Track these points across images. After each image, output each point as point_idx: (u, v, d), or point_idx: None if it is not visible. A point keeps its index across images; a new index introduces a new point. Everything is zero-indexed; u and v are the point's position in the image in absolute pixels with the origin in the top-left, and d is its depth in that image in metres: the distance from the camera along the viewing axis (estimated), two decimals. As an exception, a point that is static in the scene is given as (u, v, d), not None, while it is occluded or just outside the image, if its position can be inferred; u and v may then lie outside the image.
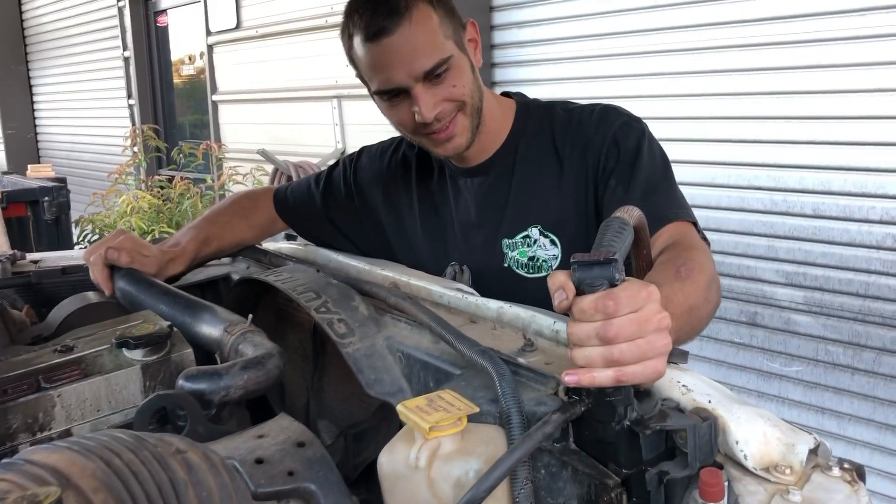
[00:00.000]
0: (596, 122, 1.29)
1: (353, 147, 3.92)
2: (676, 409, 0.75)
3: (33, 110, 8.42)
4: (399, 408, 0.73)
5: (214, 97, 5.51)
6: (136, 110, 6.56)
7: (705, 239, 1.20)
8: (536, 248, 1.31)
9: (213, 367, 0.89)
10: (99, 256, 1.28)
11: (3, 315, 1.19)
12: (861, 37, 2.44)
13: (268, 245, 1.60)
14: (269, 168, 4.37)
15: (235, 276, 1.47)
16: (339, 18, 1.28)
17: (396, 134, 1.43)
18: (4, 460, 0.58)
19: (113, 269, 1.28)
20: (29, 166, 5.24)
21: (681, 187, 1.27)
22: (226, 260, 1.55)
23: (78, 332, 1.09)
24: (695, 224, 1.20)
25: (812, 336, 2.69)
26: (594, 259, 0.70)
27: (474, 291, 1.18)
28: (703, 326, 1.03)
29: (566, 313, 0.73)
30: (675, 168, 1.28)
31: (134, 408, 0.90)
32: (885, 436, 2.58)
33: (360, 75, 1.31)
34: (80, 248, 2.48)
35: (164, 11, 6.37)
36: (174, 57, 6.47)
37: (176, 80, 6.54)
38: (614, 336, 0.69)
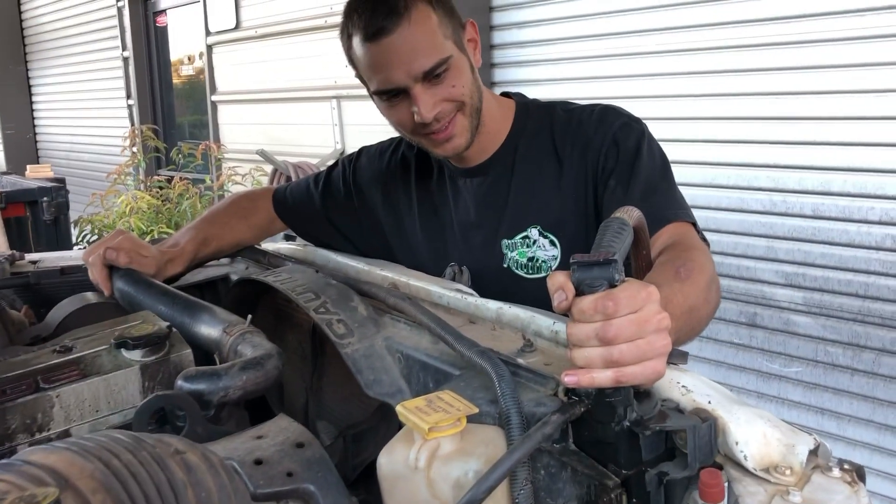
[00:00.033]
0: (596, 123, 1.29)
1: (352, 147, 3.92)
2: (676, 409, 0.75)
3: (32, 110, 8.42)
4: (398, 408, 0.73)
5: (214, 97, 5.51)
6: (135, 110, 6.56)
7: (705, 240, 1.20)
8: (536, 248, 1.31)
9: (212, 367, 0.89)
10: (98, 257, 1.28)
11: (1, 315, 1.19)
12: (861, 37, 2.44)
13: (267, 245, 1.60)
14: (269, 168, 4.37)
15: (234, 277, 1.47)
16: (339, 19, 1.28)
17: (396, 134, 1.42)
18: (3, 461, 0.58)
19: (112, 269, 1.28)
20: (28, 166, 5.24)
21: (680, 188, 1.27)
22: (225, 260, 1.55)
23: (77, 332, 1.09)
24: (694, 225, 1.19)
25: (811, 337, 2.69)
26: (594, 259, 0.70)
27: (473, 292, 1.17)
28: (702, 327, 1.03)
29: (566, 314, 0.73)
30: (675, 169, 1.28)
31: (133, 408, 0.90)
32: (884, 436, 2.58)
33: (359, 75, 1.31)
34: (79, 249, 2.47)
35: (163, 11, 6.37)
36: (173, 57, 6.47)
37: (175, 81, 6.53)
38: (614, 337, 0.69)
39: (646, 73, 3.02)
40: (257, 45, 5.02)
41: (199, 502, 0.58)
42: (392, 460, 0.74)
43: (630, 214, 0.81)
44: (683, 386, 0.77)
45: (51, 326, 1.22)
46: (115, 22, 6.63)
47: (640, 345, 0.70)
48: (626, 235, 0.77)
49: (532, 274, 1.31)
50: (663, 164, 1.27)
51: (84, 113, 7.44)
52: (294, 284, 1.10)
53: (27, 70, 8.37)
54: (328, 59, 4.28)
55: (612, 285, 0.70)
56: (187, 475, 0.59)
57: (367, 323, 1.04)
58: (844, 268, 2.58)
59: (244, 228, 1.53)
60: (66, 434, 0.89)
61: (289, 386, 1.30)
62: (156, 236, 4.27)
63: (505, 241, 1.33)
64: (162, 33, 6.50)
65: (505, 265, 1.33)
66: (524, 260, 1.32)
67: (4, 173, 5.27)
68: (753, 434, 0.72)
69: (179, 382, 0.86)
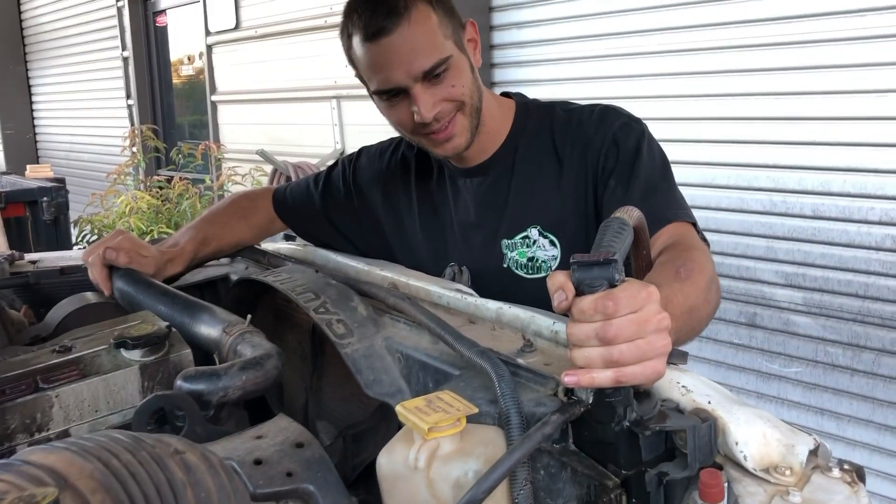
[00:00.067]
0: (596, 123, 1.29)
1: (352, 148, 3.92)
2: (676, 409, 0.75)
3: (32, 110, 8.42)
4: (398, 408, 0.73)
5: (213, 97, 5.51)
6: (134, 110, 6.56)
7: (705, 240, 1.20)
8: (536, 248, 1.31)
9: (212, 367, 0.89)
10: (97, 257, 1.27)
11: (1, 315, 1.18)
12: (861, 38, 2.44)
13: (266, 245, 1.60)
14: (268, 168, 4.37)
15: (234, 277, 1.47)
16: (339, 19, 1.28)
17: (396, 134, 1.42)
18: (2, 461, 0.58)
19: (111, 269, 1.28)
20: (28, 166, 5.24)
21: (680, 188, 1.27)
22: (224, 260, 1.55)
23: (76, 332, 1.09)
24: (694, 225, 1.19)
25: (811, 337, 2.69)
26: (594, 259, 0.70)
27: (473, 292, 1.17)
28: (702, 327, 1.03)
29: (566, 314, 0.73)
30: (675, 169, 1.28)
31: (132, 408, 0.90)
32: (884, 437, 2.58)
33: (359, 75, 1.31)
34: (79, 249, 2.47)
35: (163, 11, 6.37)
36: (173, 57, 6.47)
37: (175, 81, 6.53)
38: (614, 337, 0.69)
39: (645, 74, 3.02)
40: (257, 45, 5.02)
41: (198, 502, 0.58)
42: (392, 460, 0.74)
43: (630, 214, 0.81)
44: (683, 386, 0.77)
45: (50, 326, 1.22)
46: (115, 22, 6.63)
47: (640, 345, 0.70)
48: (626, 235, 0.77)
49: (532, 274, 1.31)
50: (663, 164, 1.27)
51: (84, 113, 7.44)
52: (294, 284, 1.10)
53: (27, 70, 8.37)
54: (328, 59, 4.28)
55: (612, 285, 0.70)
56: (186, 475, 0.59)
57: (366, 323, 1.04)
58: (844, 268, 2.58)
59: (244, 228, 1.53)
60: (65, 434, 0.89)
61: (288, 386, 1.30)
62: (155, 236, 4.27)
63: (505, 241, 1.33)
64: (162, 33, 6.50)
65: (505, 265, 1.33)
66: (524, 260, 1.32)
67: (4, 173, 5.27)
68: (753, 434, 0.72)
69: (179, 382, 0.86)
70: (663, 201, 1.20)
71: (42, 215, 4.18)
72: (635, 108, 1.34)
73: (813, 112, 2.59)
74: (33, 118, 8.41)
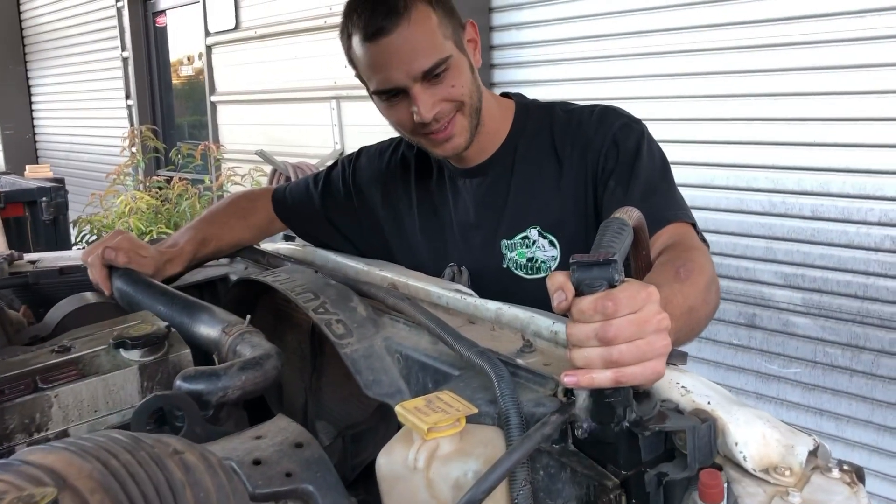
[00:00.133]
0: (596, 123, 1.29)
1: (351, 148, 3.91)
2: (675, 410, 0.75)
3: (31, 111, 8.42)
4: (397, 409, 0.73)
5: (213, 98, 5.51)
6: (134, 111, 6.55)
7: (704, 240, 1.20)
8: (535, 248, 1.31)
9: (211, 367, 0.89)
10: (97, 257, 1.27)
11: (0, 315, 1.18)
12: (861, 38, 2.44)
13: (266, 246, 1.59)
14: (268, 169, 4.37)
15: (233, 277, 1.47)
16: (339, 19, 1.28)
17: (395, 134, 1.42)
18: (1, 461, 0.58)
19: (111, 269, 1.28)
20: (27, 167, 5.25)
21: (680, 189, 1.27)
22: (224, 260, 1.55)
23: (75, 332, 1.08)
24: (694, 225, 1.19)
25: (810, 338, 2.70)
26: (593, 260, 0.70)
27: (473, 292, 1.17)
28: (702, 328, 1.03)
29: (565, 314, 0.73)
30: (675, 169, 1.28)
31: (131, 408, 0.90)
32: (883, 437, 2.58)
33: (358, 75, 1.31)
34: (78, 249, 2.47)
35: (162, 12, 6.37)
36: (173, 57, 6.47)
37: (174, 81, 6.53)
38: (613, 337, 0.69)
39: (645, 75, 3.02)
40: (257, 46, 5.02)
41: (197, 502, 0.58)
42: (391, 461, 0.74)
43: (630, 215, 0.81)
44: (683, 386, 0.77)
45: (49, 326, 1.22)
46: (115, 22, 6.63)
47: (640, 345, 0.70)
48: (625, 236, 0.77)
49: (531, 274, 1.31)
50: (663, 165, 1.27)
51: (83, 113, 7.44)
52: (293, 284, 1.10)
53: (27, 70, 8.37)
54: (328, 60, 4.28)
55: (612, 285, 0.70)
56: (185, 475, 0.59)
57: (366, 323, 1.04)
58: (843, 269, 2.59)
59: (243, 228, 1.53)
60: (64, 434, 0.89)
61: (288, 386, 1.30)
62: (155, 236, 4.27)
63: (504, 242, 1.33)
64: (161, 34, 6.50)
65: (504, 265, 1.33)
66: (523, 260, 1.32)
67: (3, 173, 5.28)
68: (753, 435, 0.72)
69: (178, 382, 0.86)
70: (663, 202, 1.20)
71: (41, 215, 4.18)
72: (635, 109, 1.34)
73: (812, 113, 2.59)
74: (33, 118, 8.41)
